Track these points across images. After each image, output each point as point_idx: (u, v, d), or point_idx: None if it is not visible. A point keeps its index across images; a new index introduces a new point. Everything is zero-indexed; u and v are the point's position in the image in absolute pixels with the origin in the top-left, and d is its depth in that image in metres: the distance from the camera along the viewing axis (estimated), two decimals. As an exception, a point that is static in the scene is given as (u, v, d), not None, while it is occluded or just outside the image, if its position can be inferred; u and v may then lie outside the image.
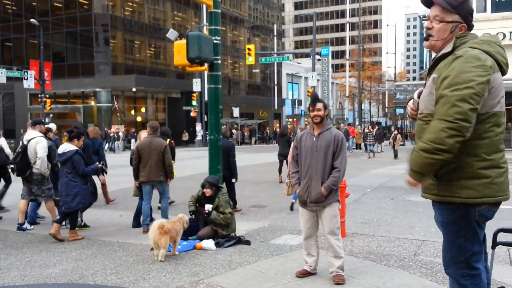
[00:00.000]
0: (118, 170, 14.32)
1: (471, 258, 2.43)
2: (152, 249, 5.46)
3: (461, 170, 2.35)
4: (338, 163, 4.45)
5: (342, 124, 34.92)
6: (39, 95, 30.11)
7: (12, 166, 7.22)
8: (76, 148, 6.46)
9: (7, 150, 8.65)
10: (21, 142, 7.25)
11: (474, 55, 2.31)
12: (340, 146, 4.47)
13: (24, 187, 7.28)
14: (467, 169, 2.35)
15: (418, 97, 2.60)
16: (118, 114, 37.60)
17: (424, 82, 2.66)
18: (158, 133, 7.18)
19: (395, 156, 23.01)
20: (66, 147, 6.44)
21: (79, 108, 38.47)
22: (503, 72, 2.45)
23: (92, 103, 38.24)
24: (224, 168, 7.39)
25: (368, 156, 23.87)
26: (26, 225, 7.19)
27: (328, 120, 4.64)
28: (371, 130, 25.18)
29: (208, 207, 6.10)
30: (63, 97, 38.70)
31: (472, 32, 2.53)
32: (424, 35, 2.68)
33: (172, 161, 7.35)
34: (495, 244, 2.96)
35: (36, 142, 7.06)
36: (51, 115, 32.07)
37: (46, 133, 7.74)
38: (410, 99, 2.75)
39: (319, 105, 4.49)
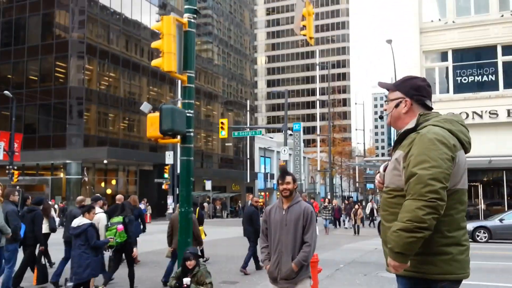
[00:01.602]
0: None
1: None
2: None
3: (423, 246, 2.35)
4: (308, 237, 4.38)
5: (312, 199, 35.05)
6: (7, 167, 29.42)
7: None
8: (90, 221, 6.86)
9: None
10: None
11: (437, 133, 2.40)
12: (309, 219, 4.41)
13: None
14: (429, 245, 2.36)
15: (384, 171, 2.68)
16: (87, 186, 36.86)
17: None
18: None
19: (356, 232, 22.58)
20: (80, 220, 6.82)
21: (47, 180, 37.62)
22: (466, 150, 2.53)
23: (61, 175, 37.51)
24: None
25: (325, 231, 23.28)
26: None
27: (297, 193, 4.63)
28: (327, 204, 25.48)
29: (186, 280, 5.92)
30: (32, 169, 37.90)
31: (436, 111, 2.66)
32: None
33: (201, 227, 8.66)
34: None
35: (97, 218, 7.80)
36: (17, 187, 31.13)
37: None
38: (378, 173, 2.83)
39: (288, 179, 4.48)
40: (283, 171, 4.63)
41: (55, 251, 10.39)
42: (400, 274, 2.46)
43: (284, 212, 4.45)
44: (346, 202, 27.68)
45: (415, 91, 2.64)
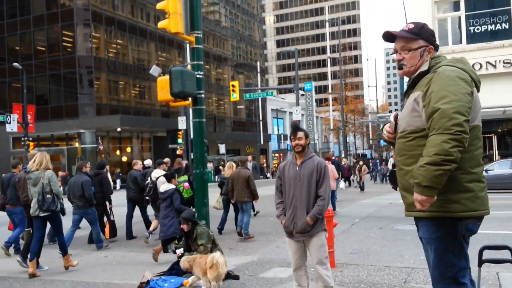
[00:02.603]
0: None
1: (459, 273, 2.43)
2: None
3: (447, 184, 2.35)
4: (322, 191, 4.42)
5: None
6: (22, 138, 29.83)
7: (147, 197, 9.25)
8: (174, 186, 7.66)
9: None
10: (149, 179, 9.34)
11: (455, 70, 2.43)
12: (323, 174, 4.44)
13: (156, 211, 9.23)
14: (453, 183, 2.37)
15: (395, 119, 2.65)
16: (103, 155, 37.34)
17: None
18: (246, 165, 9.92)
19: (361, 188, 22.56)
20: (167, 186, 7.56)
21: (63, 150, 38.14)
22: (477, 89, 2.54)
23: (76, 144, 37.98)
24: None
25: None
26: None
27: (310, 149, 4.64)
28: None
29: (179, 251, 6.16)
30: (47, 140, 38.38)
31: (443, 55, 2.65)
32: (396, 66, 2.76)
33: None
34: (481, 261, 2.96)
35: (162, 179, 8.47)
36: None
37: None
38: (386, 123, 2.80)
39: (300, 134, 4.48)
40: (295, 127, 4.62)
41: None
42: (423, 216, 2.48)
43: (297, 168, 4.48)
44: (354, 160, 27.51)
45: (433, 36, 2.64)
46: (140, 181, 9.98)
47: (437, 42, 2.67)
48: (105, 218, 9.94)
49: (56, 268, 7.21)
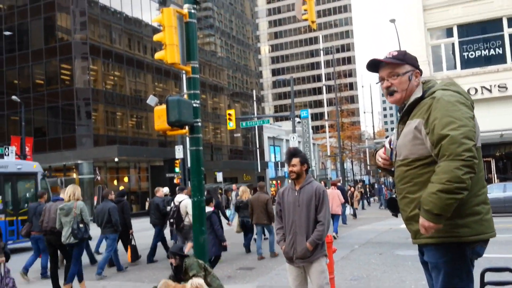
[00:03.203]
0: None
1: None
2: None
3: (456, 208, 2.32)
4: (321, 216, 4.41)
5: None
6: (20, 171, 29.74)
7: (171, 220, 9.71)
8: (212, 209, 8.36)
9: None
10: (172, 203, 9.91)
11: (453, 95, 2.42)
12: (322, 199, 4.44)
13: (179, 236, 9.87)
14: (463, 207, 2.34)
15: (390, 145, 2.66)
16: (100, 185, 37.15)
17: None
18: (264, 190, 11.04)
19: (354, 215, 21.95)
20: (207, 209, 7.82)
21: (61, 181, 37.96)
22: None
23: (74, 175, 37.84)
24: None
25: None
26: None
27: (309, 174, 4.65)
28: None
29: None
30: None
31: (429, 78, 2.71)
32: (385, 94, 2.76)
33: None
34: (483, 284, 2.94)
35: (185, 203, 9.40)
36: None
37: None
38: (379, 149, 2.78)
39: (294, 161, 4.48)
40: (289, 154, 4.62)
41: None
42: (429, 242, 2.44)
43: (296, 193, 4.49)
44: (348, 187, 27.01)
45: (417, 61, 2.68)
46: (162, 207, 10.88)
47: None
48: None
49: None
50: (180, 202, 9.58)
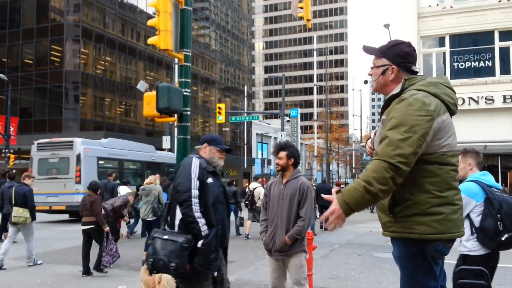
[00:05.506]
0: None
1: None
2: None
3: (416, 207, 2.37)
4: (303, 212, 4.43)
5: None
6: (3, 150, 29.34)
7: (247, 202, 12.70)
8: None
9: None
10: (247, 189, 13.31)
11: (418, 99, 2.36)
12: (305, 195, 4.46)
13: (249, 214, 12.80)
14: (422, 206, 2.37)
15: (374, 136, 2.70)
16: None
17: None
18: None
19: None
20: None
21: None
22: (452, 112, 2.53)
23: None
24: None
25: None
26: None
27: (297, 169, 4.67)
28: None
29: None
30: (28, 153, 37.67)
31: (422, 75, 2.64)
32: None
33: None
34: (456, 284, 2.99)
35: (258, 190, 12.62)
36: (14, 171, 31.06)
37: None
38: (369, 139, 2.84)
39: (281, 154, 4.53)
40: (278, 146, 4.66)
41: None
42: (393, 236, 2.50)
43: (282, 187, 4.52)
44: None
45: (402, 58, 2.60)
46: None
47: (415, 67, 2.65)
48: None
49: (30, 281, 7.05)
50: (254, 189, 12.62)
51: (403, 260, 2.49)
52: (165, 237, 3.63)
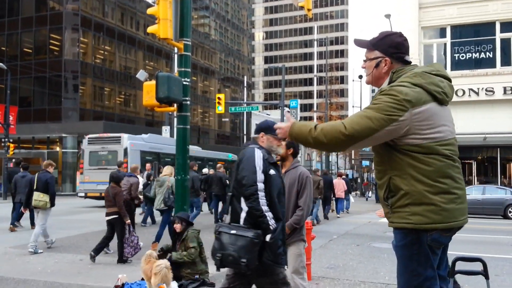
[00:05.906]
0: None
1: (424, 283, 2.43)
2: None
3: (409, 196, 2.39)
4: (302, 201, 4.46)
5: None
6: (3, 139, 29.32)
7: None
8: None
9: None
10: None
11: (396, 90, 2.37)
12: (304, 184, 4.49)
13: None
14: (415, 196, 2.38)
15: None
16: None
17: None
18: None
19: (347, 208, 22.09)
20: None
21: (43, 153, 37.54)
22: (441, 101, 2.46)
23: (57, 148, 37.46)
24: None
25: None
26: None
27: (296, 159, 4.68)
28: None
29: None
30: (28, 142, 37.78)
31: (414, 64, 2.61)
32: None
33: None
34: (453, 272, 3.00)
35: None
36: (13, 160, 31.10)
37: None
38: None
39: None
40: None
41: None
42: (393, 226, 2.52)
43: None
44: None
45: (394, 48, 2.57)
46: (224, 181, 13.43)
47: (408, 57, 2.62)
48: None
49: (30, 269, 7.08)
50: None
51: (399, 249, 2.50)
52: (233, 231, 3.51)
